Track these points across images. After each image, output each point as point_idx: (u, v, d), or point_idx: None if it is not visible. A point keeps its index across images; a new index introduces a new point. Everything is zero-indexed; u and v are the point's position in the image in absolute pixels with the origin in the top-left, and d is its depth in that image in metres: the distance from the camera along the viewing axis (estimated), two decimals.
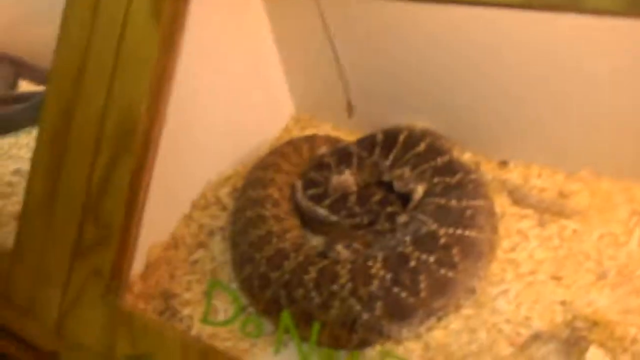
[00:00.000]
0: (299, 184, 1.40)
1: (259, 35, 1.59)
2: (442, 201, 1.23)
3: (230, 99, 1.53)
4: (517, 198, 1.34)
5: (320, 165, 1.43)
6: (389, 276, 1.13)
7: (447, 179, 1.28)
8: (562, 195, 1.31)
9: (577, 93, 1.27)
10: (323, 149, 1.50)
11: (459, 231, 1.17)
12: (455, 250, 1.15)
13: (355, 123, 1.58)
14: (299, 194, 1.38)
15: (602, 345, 1.03)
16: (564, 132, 1.32)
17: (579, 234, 1.24)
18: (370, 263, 1.15)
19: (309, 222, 1.40)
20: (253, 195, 1.37)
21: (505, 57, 1.31)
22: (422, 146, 1.36)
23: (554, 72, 1.27)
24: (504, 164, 1.43)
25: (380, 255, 1.16)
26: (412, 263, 1.13)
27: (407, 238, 1.18)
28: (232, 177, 1.54)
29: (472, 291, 1.17)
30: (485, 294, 1.17)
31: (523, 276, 1.19)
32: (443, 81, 1.43)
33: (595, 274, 1.16)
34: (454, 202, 1.22)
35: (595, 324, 1.06)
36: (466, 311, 1.16)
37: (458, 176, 1.28)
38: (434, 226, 1.18)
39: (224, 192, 1.50)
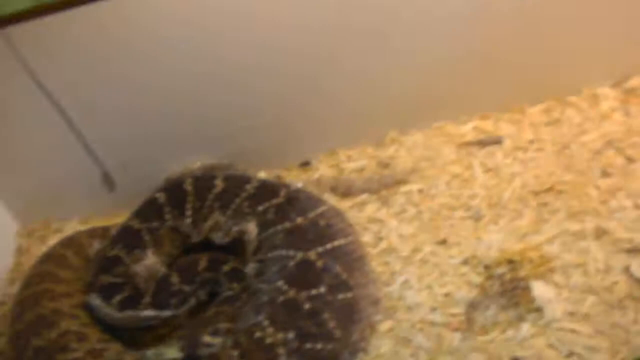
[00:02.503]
0: (95, 297, 1.02)
1: None
2: (287, 225, 1.01)
3: None
4: (343, 190, 1.18)
5: (108, 262, 1.06)
6: (291, 335, 0.88)
7: (274, 201, 1.06)
8: (383, 165, 1.20)
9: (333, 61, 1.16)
10: (96, 244, 1.13)
11: (327, 246, 0.98)
12: (338, 269, 0.95)
13: (115, 196, 1.23)
14: (104, 309, 1.00)
15: (535, 277, 0.94)
16: (339, 106, 1.20)
17: (427, 191, 1.13)
18: (259, 334, 0.88)
19: (127, 333, 1.02)
20: (40, 343, 0.96)
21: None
22: (219, 184, 1.11)
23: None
24: (306, 164, 1.26)
25: (263, 317, 0.90)
26: (307, 306, 0.90)
27: (280, 283, 0.94)
28: None
29: (376, 302, 0.98)
30: (389, 297, 0.99)
31: (409, 259, 1.04)
32: (189, 106, 1.19)
33: (469, 219, 1.07)
34: (300, 220, 1.01)
35: (510, 262, 0.97)
36: (385, 325, 0.96)
37: (282, 193, 1.07)
38: (299, 254, 0.96)
39: None
